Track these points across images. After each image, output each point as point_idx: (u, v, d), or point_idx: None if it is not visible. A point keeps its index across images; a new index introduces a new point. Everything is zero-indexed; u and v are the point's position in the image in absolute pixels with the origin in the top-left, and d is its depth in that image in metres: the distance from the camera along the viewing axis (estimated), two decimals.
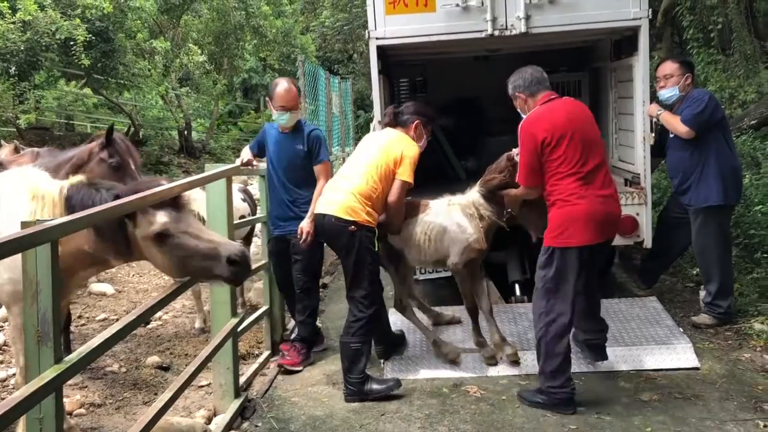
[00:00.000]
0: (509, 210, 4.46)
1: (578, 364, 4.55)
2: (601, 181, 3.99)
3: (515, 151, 4.31)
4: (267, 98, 4.91)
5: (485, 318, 4.65)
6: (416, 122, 4.59)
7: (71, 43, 13.37)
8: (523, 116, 4.18)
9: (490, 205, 4.50)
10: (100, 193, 3.21)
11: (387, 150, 4.41)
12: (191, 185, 3.66)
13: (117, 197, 3.12)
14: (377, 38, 5.30)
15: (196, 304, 6.06)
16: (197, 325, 6.00)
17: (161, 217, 3.11)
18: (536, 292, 4.10)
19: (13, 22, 12.55)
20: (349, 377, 4.27)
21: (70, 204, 3.16)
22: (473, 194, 4.60)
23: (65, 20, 13.40)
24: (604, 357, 4.49)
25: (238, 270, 3.17)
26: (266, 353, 5.28)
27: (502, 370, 4.57)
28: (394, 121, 4.63)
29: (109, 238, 3.15)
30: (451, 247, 4.54)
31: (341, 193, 4.32)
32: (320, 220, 4.39)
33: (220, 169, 4.26)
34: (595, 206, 3.92)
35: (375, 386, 4.27)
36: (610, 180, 4.09)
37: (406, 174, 4.34)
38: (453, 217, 4.56)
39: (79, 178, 3.31)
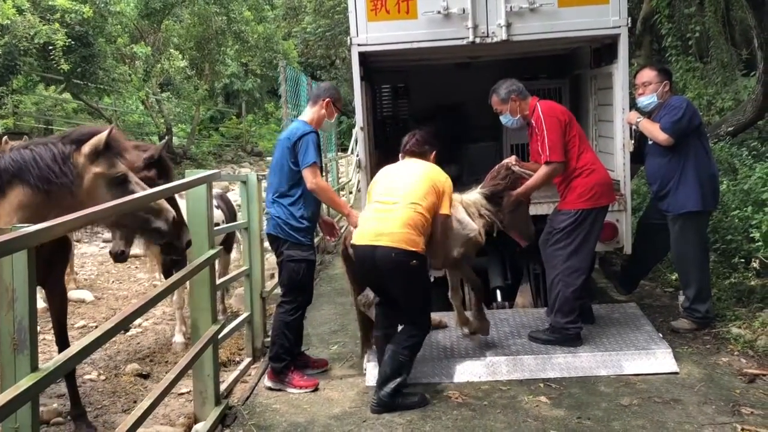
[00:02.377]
0: (504, 213, 4.83)
1: (558, 369, 4.59)
2: (596, 158, 5.03)
3: (511, 159, 4.97)
4: (327, 99, 4.71)
5: (475, 302, 4.92)
6: (434, 152, 4.63)
7: (50, 47, 13.27)
8: (510, 117, 4.99)
9: (490, 205, 4.79)
10: (44, 147, 3.07)
11: (431, 183, 4.27)
12: (171, 191, 3.64)
13: (76, 142, 3.11)
14: (359, 45, 5.31)
15: (177, 317, 5.90)
16: (177, 339, 5.80)
17: (123, 164, 3.17)
18: (556, 253, 4.86)
19: None
20: (384, 388, 4.12)
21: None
22: (475, 195, 4.82)
23: (44, 24, 13.31)
24: (592, 320, 5.12)
25: (171, 231, 3.43)
26: (247, 360, 5.25)
27: (483, 375, 4.58)
28: (418, 151, 4.56)
29: (50, 181, 3.01)
30: (452, 242, 4.63)
31: (392, 224, 4.11)
32: (368, 252, 4.13)
33: (200, 175, 4.22)
34: (606, 172, 4.98)
35: (402, 400, 4.17)
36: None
37: (448, 208, 4.34)
38: (455, 215, 4.64)
39: None
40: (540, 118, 4.82)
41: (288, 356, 4.63)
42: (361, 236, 4.24)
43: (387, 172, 4.53)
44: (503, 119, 5.07)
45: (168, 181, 4.29)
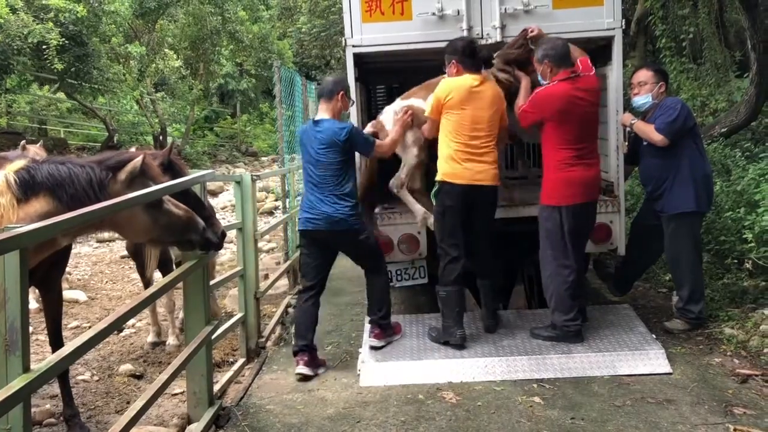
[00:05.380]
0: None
1: (552, 370, 4.59)
2: (588, 154, 4.83)
3: (532, 26, 5.01)
4: (341, 92, 4.84)
5: None
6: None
7: (44, 46, 13.22)
8: (543, 81, 4.86)
9: (504, 71, 5.06)
10: (81, 168, 3.11)
11: (501, 112, 4.90)
12: (166, 191, 3.62)
13: (112, 169, 3.18)
14: (354, 46, 5.31)
15: (169, 320, 5.88)
16: (170, 341, 5.80)
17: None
18: (544, 252, 4.92)
19: None
20: (492, 311, 5.20)
21: (30, 185, 3.00)
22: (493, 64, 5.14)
23: (38, 24, 13.26)
24: (580, 339, 4.90)
25: (207, 239, 3.61)
26: (241, 360, 5.24)
27: (477, 376, 4.58)
28: (483, 67, 4.95)
29: (83, 203, 3.01)
30: None
31: (487, 162, 4.79)
32: (468, 190, 4.76)
33: (194, 175, 4.21)
34: (583, 173, 4.77)
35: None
36: (594, 153, 4.92)
37: (506, 120, 4.99)
38: None
39: (20, 163, 3.12)
40: (534, 95, 4.86)
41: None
42: (460, 176, 4.75)
43: (464, 98, 4.76)
44: (539, 76, 4.99)
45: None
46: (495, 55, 5.11)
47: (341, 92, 4.84)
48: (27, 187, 2.99)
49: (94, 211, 2.80)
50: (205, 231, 3.62)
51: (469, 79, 4.80)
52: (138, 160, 3.26)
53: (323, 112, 4.87)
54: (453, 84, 4.82)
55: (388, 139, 5.06)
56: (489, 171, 4.78)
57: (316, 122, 4.85)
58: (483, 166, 4.76)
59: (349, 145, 4.76)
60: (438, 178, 4.87)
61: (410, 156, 5.21)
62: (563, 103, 4.72)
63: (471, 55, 4.82)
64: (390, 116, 5.22)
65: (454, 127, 4.79)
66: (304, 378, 4.76)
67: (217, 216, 6.19)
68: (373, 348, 4.92)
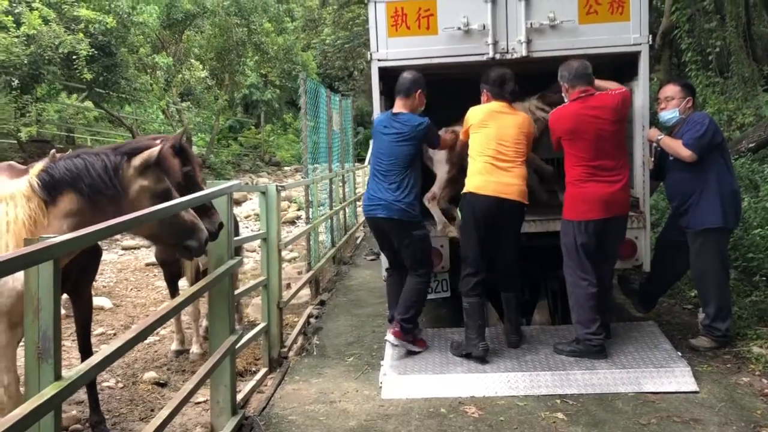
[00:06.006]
0: None
1: (576, 386, 4.55)
2: (609, 169, 4.80)
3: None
4: (420, 90, 5.03)
5: None
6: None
7: (74, 56, 13.47)
8: (566, 99, 4.99)
9: (543, 110, 5.45)
10: (96, 156, 3.16)
11: (528, 137, 5.03)
12: (193, 202, 3.67)
13: (127, 154, 3.22)
14: (379, 60, 5.35)
15: (193, 328, 5.93)
16: (194, 350, 5.84)
17: (167, 181, 3.30)
18: (566, 266, 4.96)
19: (17, 36, 12.65)
20: (518, 324, 5.29)
21: (52, 185, 3.07)
22: (531, 101, 5.60)
23: (69, 34, 13.52)
24: (604, 355, 4.84)
25: (202, 248, 3.51)
26: (263, 370, 5.26)
27: (500, 391, 4.56)
28: (512, 99, 5.12)
29: (101, 192, 3.08)
30: None
31: (514, 177, 4.89)
32: (495, 202, 4.84)
33: (221, 186, 4.26)
34: (599, 189, 4.77)
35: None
36: (618, 169, 4.84)
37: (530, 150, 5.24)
38: None
39: (39, 166, 3.18)
40: (551, 113, 5.08)
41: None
42: (484, 187, 4.86)
43: (487, 116, 4.99)
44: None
45: (192, 167, 4.30)
46: (537, 95, 5.56)
47: (419, 90, 5.02)
48: (50, 188, 3.07)
49: (124, 222, 2.84)
50: (207, 242, 3.55)
51: (494, 104, 5.04)
52: (155, 150, 3.27)
53: (401, 108, 5.04)
54: (478, 108, 5.09)
55: (443, 138, 5.34)
56: (515, 186, 4.86)
57: (395, 114, 5.03)
58: (509, 180, 4.86)
59: (425, 138, 5.01)
60: (464, 190, 4.98)
61: (443, 171, 5.66)
62: (572, 122, 4.84)
63: (500, 85, 5.01)
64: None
65: (480, 142, 4.97)
66: (392, 346, 5.05)
67: (241, 225, 6.24)
68: (387, 343, 5.05)
